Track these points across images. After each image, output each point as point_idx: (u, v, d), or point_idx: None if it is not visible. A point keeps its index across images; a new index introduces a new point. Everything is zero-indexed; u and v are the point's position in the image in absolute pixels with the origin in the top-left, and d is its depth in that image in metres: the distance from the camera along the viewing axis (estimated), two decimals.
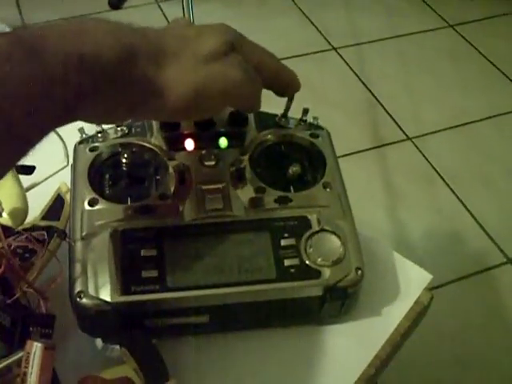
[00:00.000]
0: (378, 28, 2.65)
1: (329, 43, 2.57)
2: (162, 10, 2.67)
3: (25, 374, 0.59)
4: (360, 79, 2.42)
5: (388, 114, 2.30)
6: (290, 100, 0.76)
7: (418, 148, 2.19)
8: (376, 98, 2.35)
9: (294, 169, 0.73)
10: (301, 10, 2.73)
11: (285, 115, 0.79)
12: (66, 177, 0.76)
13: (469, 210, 2.02)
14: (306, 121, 0.79)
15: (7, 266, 0.61)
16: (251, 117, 0.78)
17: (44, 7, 2.60)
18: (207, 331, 0.70)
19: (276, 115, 0.80)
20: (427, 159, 2.16)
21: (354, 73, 2.45)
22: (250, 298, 0.66)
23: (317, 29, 2.64)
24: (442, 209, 2.02)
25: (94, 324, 0.66)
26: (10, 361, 0.61)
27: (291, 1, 2.78)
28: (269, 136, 0.77)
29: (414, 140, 2.22)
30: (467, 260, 1.88)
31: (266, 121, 0.79)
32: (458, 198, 2.05)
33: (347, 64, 2.48)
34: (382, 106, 2.33)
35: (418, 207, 2.01)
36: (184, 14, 0.98)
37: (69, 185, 0.76)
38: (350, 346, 0.72)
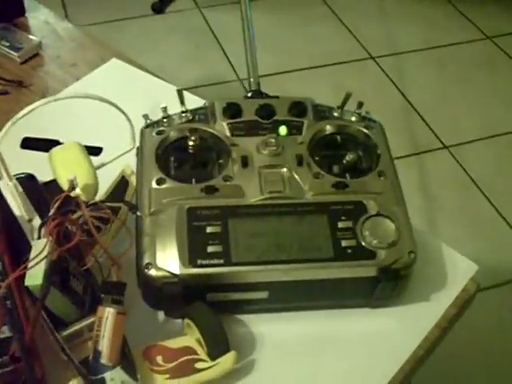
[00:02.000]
0: (415, 38, 2.68)
1: (367, 52, 2.60)
2: (203, 16, 2.72)
3: (97, 336, 0.62)
4: (398, 88, 2.45)
5: (425, 122, 2.32)
6: (348, 95, 0.80)
7: (454, 157, 2.21)
8: (413, 107, 2.38)
9: (350, 157, 0.77)
10: (339, 19, 2.77)
11: (341, 107, 0.82)
12: (130, 159, 0.80)
13: (505, 219, 2.03)
14: (360, 114, 0.83)
15: (81, 235, 0.64)
16: (309, 107, 0.81)
17: (89, 10, 2.66)
18: (264, 309, 0.73)
19: (332, 108, 0.83)
20: (464, 168, 2.18)
21: (392, 82, 2.47)
22: (309, 275, 0.69)
23: (355, 38, 2.67)
24: (478, 217, 2.04)
25: (160, 296, 0.69)
26: (82, 325, 0.65)
27: (330, 10, 2.82)
28: (326, 126, 0.81)
29: (450, 149, 2.24)
30: (503, 268, 1.90)
31: (323, 112, 0.83)
32: (494, 207, 2.07)
33: (385, 73, 2.51)
34: (419, 114, 2.35)
35: (453, 215, 2.03)
36: (243, 20, 1.01)
37: (133, 167, 0.80)
38: (399, 328, 0.75)
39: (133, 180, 0.80)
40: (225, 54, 2.51)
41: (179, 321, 0.72)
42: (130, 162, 0.81)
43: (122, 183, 0.80)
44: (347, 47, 2.63)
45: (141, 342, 0.68)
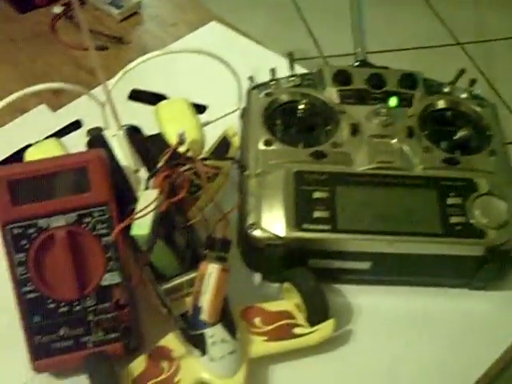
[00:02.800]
0: (506, 25, 2.60)
1: (454, 37, 2.55)
2: None
3: (198, 292, 0.62)
4: (484, 76, 2.39)
5: None
6: (461, 71, 0.78)
7: None
8: (500, 97, 2.32)
9: (461, 133, 0.75)
10: (427, 2, 2.71)
11: (453, 83, 0.80)
12: (232, 120, 0.80)
13: None
14: (471, 91, 0.80)
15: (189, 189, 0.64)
16: (420, 80, 0.79)
17: None
18: (364, 281, 0.72)
19: (442, 83, 0.81)
20: None
21: (479, 69, 2.41)
22: (414, 249, 0.68)
23: (442, 22, 2.61)
24: None
25: (260, 257, 0.69)
26: (183, 279, 0.64)
27: None
28: (438, 101, 0.79)
29: None
30: None
31: (433, 86, 0.81)
32: None
33: (471, 60, 2.45)
34: (506, 105, 2.29)
35: None
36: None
37: (235, 128, 0.79)
38: (500, 313, 0.72)
39: (235, 141, 0.79)
40: (309, 30, 2.48)
41: (274, 285, 0.71)
42: (232, 123, 0.80)
43: (223, 144, 0.79)
44: (433, 32, 2.57)
45: (236, 302, 0.66)
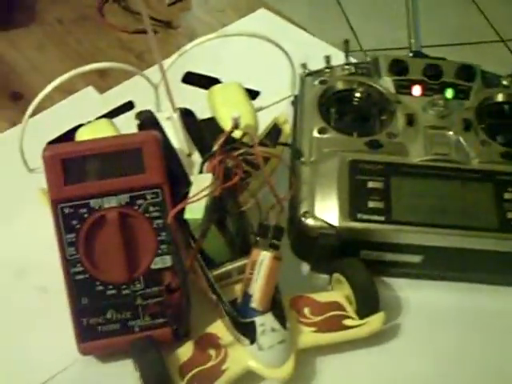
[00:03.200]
0: None
1: (497, 34, 2.51)
2: None
3: (249, 280, 0.61)
4: None
5: None
6: None
7: None
8: None
9: None
10: None
11: None
12: (282, 107, 0.79)
13: None
14: None
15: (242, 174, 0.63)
16: (478, 73, 0.78)
17: None
18: (414, 275, 0.71)
19: (500, 76, 0.80)
20: None
21: None
22: (468, 243, 0.66)
23: (486, 18, 2.57)
24: None
25: (311, 247, 0.67)
26: (233, 266, 0.63)
27: None
28: (496, 94, 0.77)
29: None
30: None
31: (492, 79, 0.79)
32: None
33: None
34: None
35: None
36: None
37: (286, 115, 0.78)
38: None
39: (286, 128, 0.78)
40: (349, 24, 2.46)
41: (322, 276, 0.70)
42: (282, 110, 0.80)
43: (274, 131, 0.78)
44: (476, 28, 2.53)
45: (284, 292, 0.65)
